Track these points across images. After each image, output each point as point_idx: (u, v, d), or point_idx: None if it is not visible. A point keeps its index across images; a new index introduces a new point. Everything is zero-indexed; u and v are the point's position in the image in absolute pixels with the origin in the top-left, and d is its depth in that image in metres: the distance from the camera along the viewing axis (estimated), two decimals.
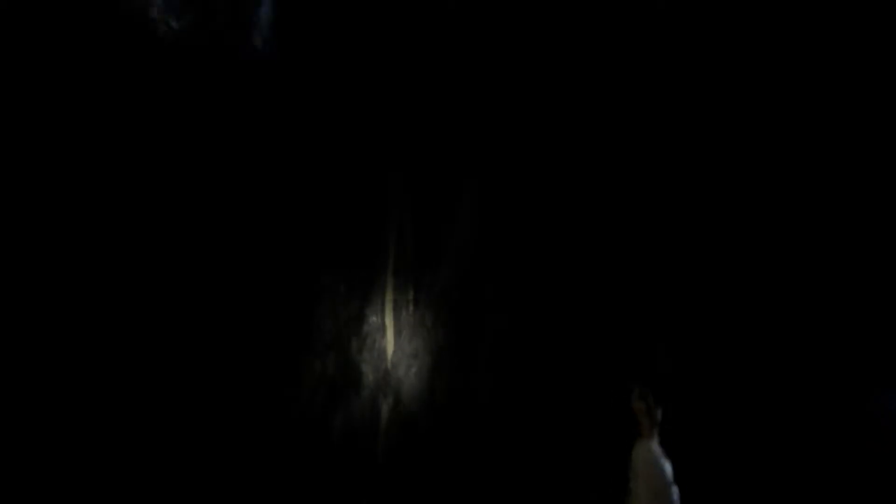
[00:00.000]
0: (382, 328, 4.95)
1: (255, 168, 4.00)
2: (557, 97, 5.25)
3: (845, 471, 4.36)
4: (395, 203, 4.98)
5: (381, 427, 4.88)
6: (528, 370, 5.09)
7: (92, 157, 3.13)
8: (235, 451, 3.78)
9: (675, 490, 3.58)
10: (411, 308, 5.00)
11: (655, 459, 3.61)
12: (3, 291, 2.67)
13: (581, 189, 5.23)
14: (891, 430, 4.26)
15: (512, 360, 5.13)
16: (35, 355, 2.89)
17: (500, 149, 5.23)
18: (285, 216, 4.29)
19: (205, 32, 3.58)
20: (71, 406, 2.97)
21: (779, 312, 4.63)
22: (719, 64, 4.78)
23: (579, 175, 5.24)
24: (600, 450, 4.97)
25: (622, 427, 4.90)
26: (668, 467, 3.60)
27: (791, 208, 4.59)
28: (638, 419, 3.74)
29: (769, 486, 4.43)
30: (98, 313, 3.12)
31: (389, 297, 4.97)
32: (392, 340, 5.00)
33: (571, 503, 4.73)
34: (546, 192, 5.27)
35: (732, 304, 4.76)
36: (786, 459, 4.47)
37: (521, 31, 5.21)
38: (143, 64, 3.27)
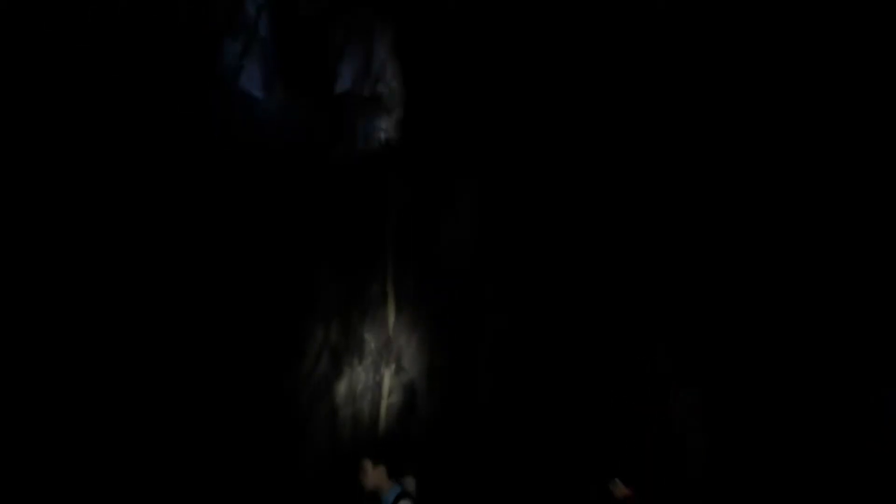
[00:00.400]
0: (384, 298, 5.41)
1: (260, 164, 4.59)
2: (559, 96, 5.30)
3: (846, 471, 4.18)
4: (395, 196, 5.32)
5: (384, 392, 5.40)
6: (527, 361, 5.30)
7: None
8: (247, 409, 4.47)
9: None
10: (412, 283, 5.38)
11: None
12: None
13: (581, 188, 5.26)
14: (891, 430, 3.98)
15: (511, 349, 5.38)
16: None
17: (500, 148, 5.40)
18: (289, 202, 4.84)
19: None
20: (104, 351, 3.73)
21: (779, 313, 4.44)
22: (719, 63, 4.59)
23: (579, 174, 5.26)
24: (600, 445, 5.09)
25: (621, 425, 4.97)
26: None
27: (793, 208, 4.36)
28: None
29: (770, 486, 4.36)
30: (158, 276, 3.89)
31: (391, 271, 5.39)
32: (393, 310, 5.44)
33: (572, 497, 4.95)
34: (546, 189, 5.37)
35: (733, 304, 4.61)
36: (786, 459, 4.35)
37: (521, 30, 5.27)
38: None
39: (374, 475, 4.01)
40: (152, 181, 4.03)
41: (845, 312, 4.08)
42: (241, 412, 4.57)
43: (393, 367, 5.62)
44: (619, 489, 4.09)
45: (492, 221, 5.50)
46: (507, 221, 5.42)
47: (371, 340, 5.55)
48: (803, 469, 4.20)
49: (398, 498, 3.93)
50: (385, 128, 5.54)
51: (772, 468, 4.32)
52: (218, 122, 4.33)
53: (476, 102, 5.36)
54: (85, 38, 3.63)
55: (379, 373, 5.59)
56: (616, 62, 4.95)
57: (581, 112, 5.12)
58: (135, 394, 4.07)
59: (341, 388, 5.45)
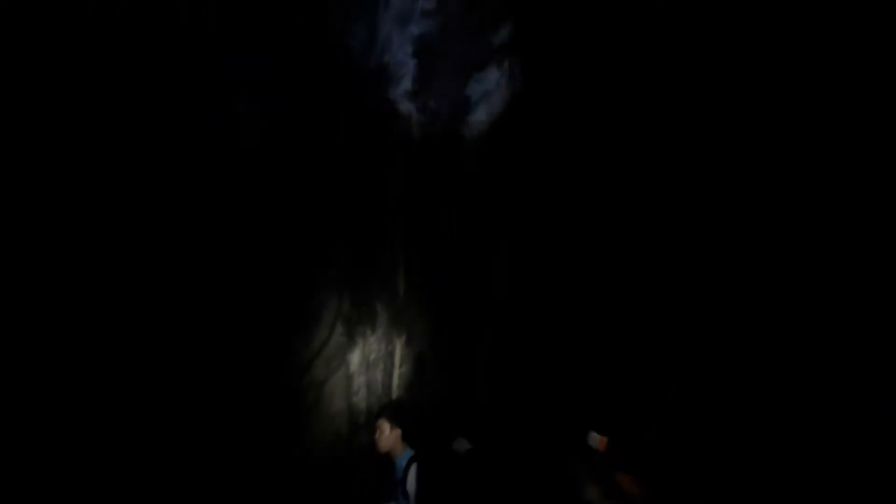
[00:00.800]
0: (394, 270, 5.46)
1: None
2: (556, 96, 5.31)
3: (846, 471, 4.19)
4: (402, 169, 5.38)
5: (396, 361, 5.46)
6: (527, 360, 5.35)
7: None
8: (265, 376, 4.50)
9: None
10: (421, 257, 5.42)
11: None
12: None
13: (583, 186, 5.25)
14: (891, 430, 4.01)
15: (511, 348, 5.43)
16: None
17: (503, 140, 5.47)
18: (298, 177, 4.86)
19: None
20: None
21: (779, 313, 4.47)
22: (719, 64, 4.46)
23: (581, 173, 5.25)
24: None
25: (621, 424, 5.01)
26: None
27: (793, 208, 4.40)
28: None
29: (770, 486, 4.37)
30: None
31: (399, 243, 5.44)
32: (403, 283, 5.50)
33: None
34: (549, 187, 5.40)
35: (733, 304, 4.64)
36: (786, 459, 4.37)
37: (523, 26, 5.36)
38: None
39: (389, 437, 4.07)
40: (165, 168, 3.99)
41: (845, 313, 4.09)
42: (259, 380, 4.60)
43: (404, 337, 5.69)
44: (599, 440, 4.03)
45: (494, 218, 5.59)
46: (510, 218, 5.46)
47: (382, 311, 5.61)
48: (803, 469, 4.20)
49: (410, 461, 3.98)
50: (392, 99, 5.57)
51: (772, 468, 4.33)
52: (221, 107, 4.28)
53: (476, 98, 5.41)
54: (85, 37, 3.60)
55: (391, 343, 5.66)
56: (615, 61, 4.95)
57: (581, 110, 5.12)
58: (158, 363, 4.05)
59: (355, 357, 5.51)
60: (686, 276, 4.76)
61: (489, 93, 5.58)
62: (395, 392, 5.67)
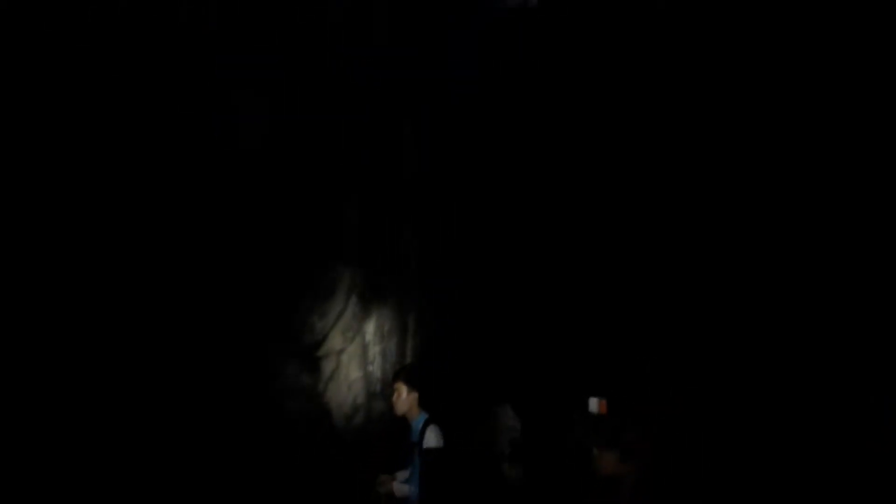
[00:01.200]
0: (405, 243, 5.56)
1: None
2: (553, 97, 5.35)
3: (846, 471, 4.21)
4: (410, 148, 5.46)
5: (409, 332, 5.54)
6: (527, 358, 5.44)
7: None
8: (283, 344, 4.54)
9: None
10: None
11: None
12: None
13: (584, 188, 5.31)
14: (891, 430, 4.05)
15: (512, 348, 5.54)
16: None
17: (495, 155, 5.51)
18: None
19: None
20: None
21: (779, 313, 4.51)
22: (719, 64, 4.45)
23: (582, 174, 5.30)
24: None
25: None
26: None
27: (792, 207, 4.47)
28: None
29: (770, 486, 4.40)
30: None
31: (409, 216, 5.54)
32: (416, 256, 5.61)
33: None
34: (550, 188, 5.45)
35: (733, 303, 4.60)
36: (786, 459, 4.40)
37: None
38: None
39: (406, 400, 4.15)
40: (170, 164, 3.95)
41: (845, 312, 3.91)
42: (280, 352, 4.65)
43: (417, 309, 5.79)
44: (599, 403, 4.03)
45: (496, 219, 5.66)
46: (511, 217, 5.52)
47: (394, 284, 5.71)
48: (803, 469, 4.22)
49: (426, 423, 4.07)
50: (401, 74, 5.41)
51: (771, 468, 4.35)
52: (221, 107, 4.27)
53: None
54: (84, 36, 3.59)
55: (405, 314, 5.75)
56: (615, 62, 4.96)
57: (580, 111, 5.16)
58: (180, 347, 4.02)
59: (370, 327, 5.58)
60: (686, 275, 4.79)
61: (501, 66, 5.48)
62: (410, 360, 5.77)
